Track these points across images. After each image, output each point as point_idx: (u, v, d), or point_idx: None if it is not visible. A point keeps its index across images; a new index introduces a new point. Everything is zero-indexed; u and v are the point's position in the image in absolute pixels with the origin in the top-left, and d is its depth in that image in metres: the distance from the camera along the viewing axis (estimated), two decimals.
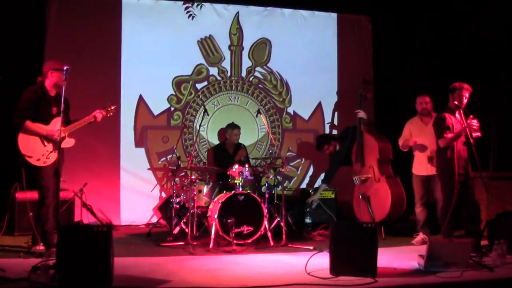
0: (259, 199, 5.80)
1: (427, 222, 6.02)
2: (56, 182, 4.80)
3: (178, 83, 7.69)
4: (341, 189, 7.47)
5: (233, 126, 7.17)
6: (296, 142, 8.18)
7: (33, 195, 5.28)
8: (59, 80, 4.96)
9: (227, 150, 7.19)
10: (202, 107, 7.53)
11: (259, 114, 6.78)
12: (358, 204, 6.46)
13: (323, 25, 8.29)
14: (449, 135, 5.23)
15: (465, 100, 5.32)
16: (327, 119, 8.25)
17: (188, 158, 6.55)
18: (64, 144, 5.14)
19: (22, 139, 4.97)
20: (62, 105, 4.57)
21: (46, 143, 5.03)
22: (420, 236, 5.92)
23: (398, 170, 6.38)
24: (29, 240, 5.31)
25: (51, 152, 5.00)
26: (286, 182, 7.82)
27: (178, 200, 6.43)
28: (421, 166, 6.07)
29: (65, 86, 4.66)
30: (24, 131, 4.96)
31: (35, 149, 4.97)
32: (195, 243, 5.59)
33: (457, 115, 5.33)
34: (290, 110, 8.16)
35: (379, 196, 6.24)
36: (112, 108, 5.44)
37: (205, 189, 6.46)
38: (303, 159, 8.16)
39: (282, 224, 5.89)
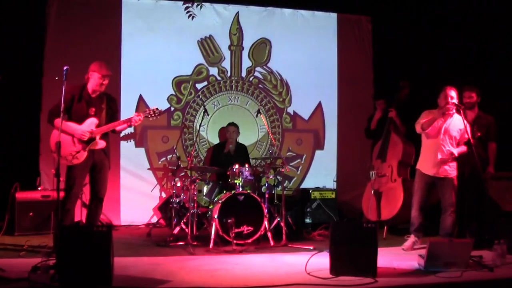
0: (259, 199, 5.80)
1: (422, 226, 5.57)
2: (81, 183, 4.95)
3: (178, 83, 7.69)
4: (341, 189, 7.46)
5: (229, 124, 7.15)
6: (296, 142, 8.18)
7: (33, 195, 5.27)
8: (96, 85, 5.09)
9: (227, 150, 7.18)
10: (202, 107, 7.53)
11: (259, 114, 6.77)
12: (367, 200, 6.45)
13: (323, 25, 8.27)
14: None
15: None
16: (327, 119, 8.22)
17: (188, 158, 6.55)
18: (94, 146, 5.12)
19: (53, 136, 5.01)
20: (62, 106, 4.52)
21: (76, 143, 5.02)
22: (411, 239, 5.52)
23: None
24: (29, 239, 5.31)
25: (79, 152, 4.99)
26: (286, 182, 7.82)
27: (178, 200, 6.43)
28: (429, 165, 5.56)
29: (64, 86, 4.65)
30: (57, 128, 4.94)
31: (64, 147, 4.86)
32: (195, 243, 5.59)
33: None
34: (290, 110, 8.14)
35: (391, 196, 6.24)
36: (156, 111, 5.31)
37: (205, 189, 6.46)
38: (303, 159, 8.16)
39: (282, 224, 5.89)
